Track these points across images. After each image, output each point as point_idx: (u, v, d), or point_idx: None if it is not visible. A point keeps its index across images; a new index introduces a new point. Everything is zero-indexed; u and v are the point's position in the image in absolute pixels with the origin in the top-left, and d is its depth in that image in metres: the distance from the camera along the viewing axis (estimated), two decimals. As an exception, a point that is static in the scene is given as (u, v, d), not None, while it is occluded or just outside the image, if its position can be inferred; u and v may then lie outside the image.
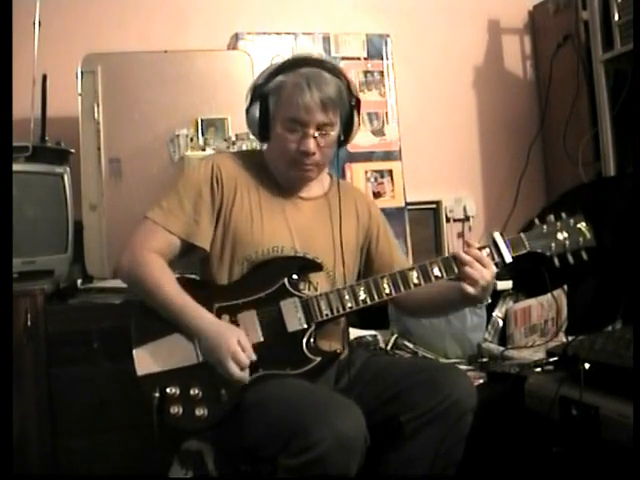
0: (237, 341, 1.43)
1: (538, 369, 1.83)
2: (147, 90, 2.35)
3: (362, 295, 1.52)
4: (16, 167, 1.97)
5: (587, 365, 1.54)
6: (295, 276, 1.54)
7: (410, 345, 2.25)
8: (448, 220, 3.05)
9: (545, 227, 1.60)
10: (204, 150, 2.30)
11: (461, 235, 3.09)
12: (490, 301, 2.13)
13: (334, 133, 1.57)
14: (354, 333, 2.06)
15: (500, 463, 1.75)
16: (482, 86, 3.17)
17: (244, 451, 1.47)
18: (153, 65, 2.37)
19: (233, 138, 2.31)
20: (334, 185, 1.70)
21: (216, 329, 1.45)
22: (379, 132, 2.74)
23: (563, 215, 1.61)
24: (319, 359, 1.50)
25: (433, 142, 3.06)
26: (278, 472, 1.35)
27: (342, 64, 2.62)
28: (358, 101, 1.60)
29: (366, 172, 2.71)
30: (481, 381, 1.98)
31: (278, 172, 1.63)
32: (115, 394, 1.95)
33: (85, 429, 1.98)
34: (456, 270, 1.53)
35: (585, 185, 2.74)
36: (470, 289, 1.50)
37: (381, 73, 2.75)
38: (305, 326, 1.50)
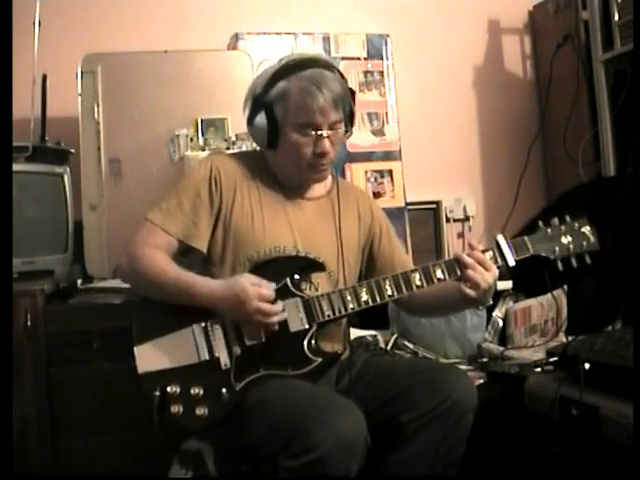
0: (251, 283, 1.44)
1: (538, 369, 1.83)
2: (147, 90, 2.34)
3: (364, 296, 1.52)
4: (16, 167, 1.97)
5: (587, 365, 1.54)
6: (297, 276, 1.54)
7: (410, 345, 2.25)
8: (448, 220, 3.05)
9: (549, 230, 1.59)
10: (204, 150, 2.30)
11: (461, 235, 3.09)
12: (491, 302, 2.13)
13: (342, 129, 1.58)
14: (354, 333, 2.06)
15: (500, 463, 1.75)
16: (482, 86, 3.17)
17: (244, 451, 1.47)
18: (153, 65, 2.37)
19: (233, 138, 2.31)
20: (336, 185, 1.70)
21: (227, 285, 1.46)
22: (379, 132, 2.74)
23: (567, 218, 1.61)
24: (320, 360, 1.50)
25: (433, 142, 3.06)
26: (278, 473, 1.35)
27: (342, 64, 2.63)
28: (353, 93, 1.61)
29: (366, 172, 2.71)
30: (481, 381, 1.98)
31: (288, 175, 1.62)
32: (115, 394, 1.95)
33: (85, 429, 1.98)
34: (459, 273, 1.53)
35: (585, 185, 2.74)
36: (471, 292, 1.50)
37: (381, 73, 2.75)
38: (307, 326, 1.50)
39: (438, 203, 3.04)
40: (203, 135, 2.34)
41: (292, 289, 1.52)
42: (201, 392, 1.44)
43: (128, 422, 1.93)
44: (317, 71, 1.53)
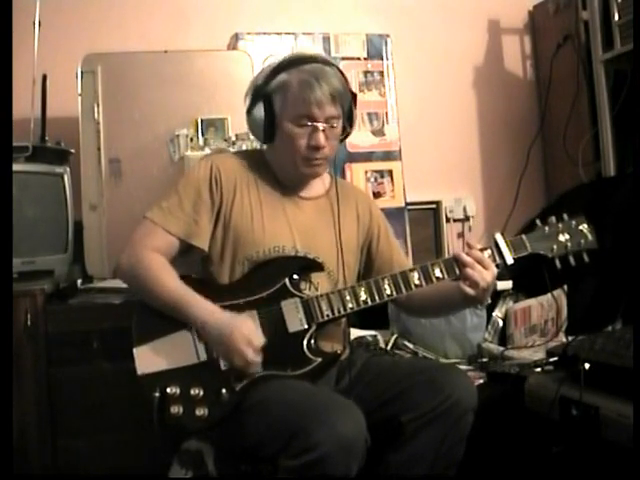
0: (248, 327, 1.44)
1: (538, 369, 1.83)
2: (147, 90, 2.34)
3: (363, 296, 1.52)
4: (16, 167, 1.97)
5: (587, 365, 1.54)
6: (296, 276, 1.54)
7: (410, 345, 2.25)
8: (448, 220, 3.05)
9: (547, 228, 1.60)
10: (204, 150, 2.30)
11: (461, 235, 3.09)
12: (490, 301, 2.13)
13: (339, 126, 1.58)
14: (354, 333, 2.06)
15: (500, 463, 1.75)
16: (482, 86, 3.17)
17: (244, 451, 1.47)
18: (153, 65, 2.37)
19: (233, 138, 2.31)
20: (335, 184, 1.70)
21: (225, 318, 1.45)
22: (379, 132, 2.74)
23: (565, 216, 1.61)
24: (320, 360, 1.50)
25: (433, 142, 3.06)
26: (278, 473, 1.36)
27: (342, 64, 2.62)
28: (354, 95, 1.62)
29: (366, 172, 2.71)
30: (481, 381, 1.98)
31: (284, 171, 1.63)
32: (115, 394, 1.94)
33: (85, 429, 1.98)
34: (457, 271, 1.54)
35: (585, 185, 2.74)
36: (470, 290, 1.50)
37: (381, 73, 2.75)
38: (306, 326, 1.50)
39: (438, 203, 3.04)
40: (203, 135, 2.34)
41: (291, 289, 1.52)
42: (201, 393, 1.44)
43: (128, 422, 1.93)
44: (318, 66, 1.54)
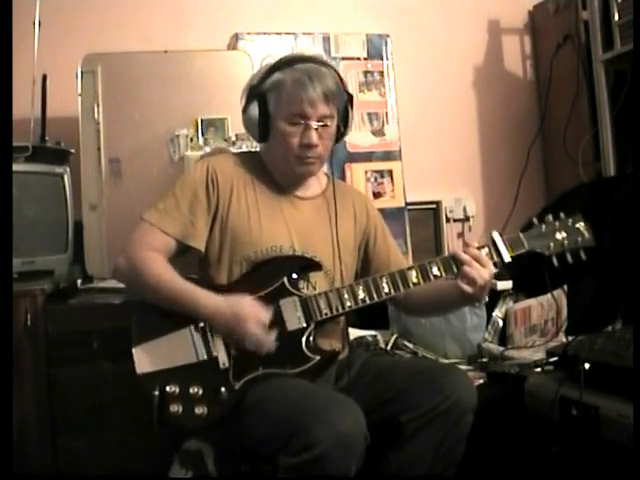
0: (252, 305, 1.45)
1: (538, 369, 1.83)
2: (147, 90, 2.34)
3: (361, 294, 1.52)
4: (16, 167, 1.97)
5: (587, 365, 1.54)
6: (294, 275, 1.54)
7: (410, 345, 2.25)
8: (448, 220, 3.05)
9: (544, 227, 1.60)
10: (204, 150, 2.30)
11: (461, 235, 3.09)
12: (488, 300, 2.13)
13: (333, 125, 1.58)
14: (354, 333, 2.06)
15: (500, 463, 1.75)
16: (482, 86, 3.17)
17: (244, 450, 1.47)
18: (153, 65, 2.37)
19: (233, 138, 2.31)
20: (331, 184, 1.70)
21: (229, 303, 1.47)
22: (379, 132, 2.74)
23: (562, 215, 1.62)
24: (318, 358, 1.50)
25: (433, 142, 3.05)
26: (278, 471, 1.36)
27: (342, 64, 2.63)
28: (350, 96, 1.62)
29: (366, 172, 2.71)
30: (481, 381, 1.98)
31: (279, 170, 1.63)
32: (115, 394, 1.95)
33: (85, 429, 1.98)
34: (455, 269, 1.54)
35: (585, 185, 2.74)
36: (468, 288, 1.50)
37: (381, 73, 2.75)
38: (304, 325, 1.50)
39: (438, 203, 3.03)
40: (203, 135, 2.34)
41: (289, 288, 1.53)
42: (200, 391, 1.44)
43: (128, 422, 1.93)
44: (312, 65, 1.54)
